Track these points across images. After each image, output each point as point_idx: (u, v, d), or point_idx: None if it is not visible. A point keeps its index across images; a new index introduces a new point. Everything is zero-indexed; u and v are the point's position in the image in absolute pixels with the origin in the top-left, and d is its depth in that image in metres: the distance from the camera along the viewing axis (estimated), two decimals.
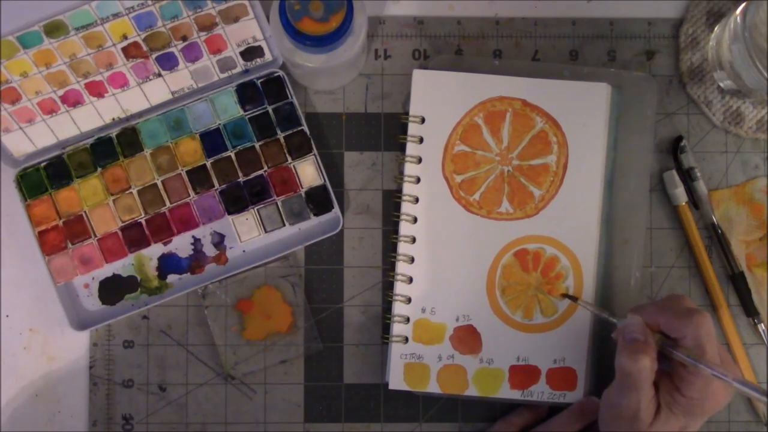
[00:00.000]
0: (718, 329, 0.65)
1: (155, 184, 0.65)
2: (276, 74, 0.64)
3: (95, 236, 0.65)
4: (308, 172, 0.65)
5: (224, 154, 0.65)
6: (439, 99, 0.64)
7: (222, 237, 0.65)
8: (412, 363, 0.64)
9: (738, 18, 0.60)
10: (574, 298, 0.63)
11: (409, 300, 0.64)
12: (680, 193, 0.65)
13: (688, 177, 0.65)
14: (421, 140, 0.64)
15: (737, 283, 0.65)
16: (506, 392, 0.63)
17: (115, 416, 0.65)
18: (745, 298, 0.65)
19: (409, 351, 0.64)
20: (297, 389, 0.65)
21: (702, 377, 0.53)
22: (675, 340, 0.55)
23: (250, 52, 0.64)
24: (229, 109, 0.65)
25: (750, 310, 0.65)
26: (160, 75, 0.64)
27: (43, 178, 0.64)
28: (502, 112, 0.64)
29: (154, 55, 0.63)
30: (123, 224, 0.65)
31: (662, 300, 0.58)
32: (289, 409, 0.65)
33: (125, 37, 0.62)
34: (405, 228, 0.64)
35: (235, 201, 0.65)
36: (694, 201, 0.65)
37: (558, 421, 0.62)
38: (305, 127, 0.64)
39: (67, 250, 0.64)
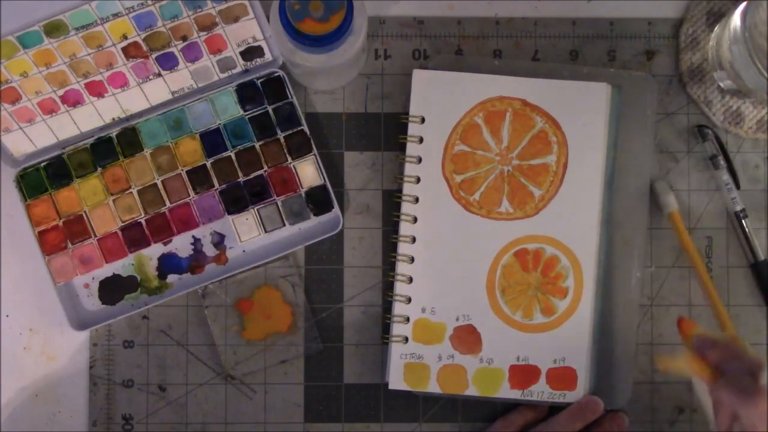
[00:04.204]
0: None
1: (155, 184, 0.65)
2: (276, 74, 0.64)
3: (95, 236, 0.65)
4: (308, 172, 0.65)
5: (224, 154, 0.65)
6: (439, 99, 0.64)
7: (222, 237, 0.65)
8: (412, 363, 0.63)
9: (738, 18, 0.60)
10: None
11: (409, 300, 0.64)
12: (672, 201, 0.64)
13: (712, 165, 0.65)
14: (421, 140, 0.64)
15: (759, 271, 0.64)
16: (506, 392, 0.63)
17: (115, 416, 0.65)
18: (766, 287, 0.64)
19: (409, 351, 0.64)
20: (297, 389, 0.65)
21: None
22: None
23: (250, 52, 0.64)
24: (229, 109, 0.65)
25: None
26: (160, 75, 0.64)
27: (43, 178, 0.64)
28: (502, 112, 0.64)
29: (154, 55, 0.63)
30: (123, 224, 0.65)
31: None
32: (289, 409, 0.65)
33: (125, 37, 0.62)
34: (405, 228, 0.64)
35: (235, 201, 0.65)
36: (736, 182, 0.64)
37: (558, 420, 0.62)
38: (305, 127, 0.64)
39: (67, 250, 0.64)
